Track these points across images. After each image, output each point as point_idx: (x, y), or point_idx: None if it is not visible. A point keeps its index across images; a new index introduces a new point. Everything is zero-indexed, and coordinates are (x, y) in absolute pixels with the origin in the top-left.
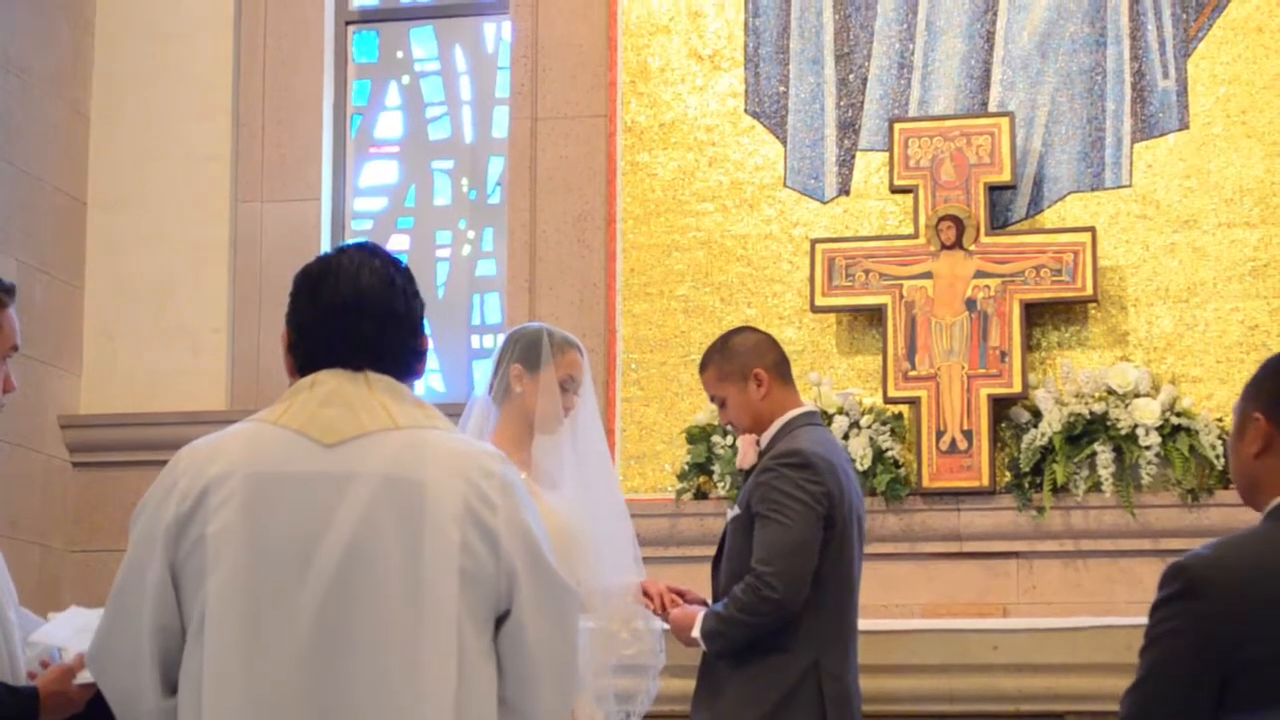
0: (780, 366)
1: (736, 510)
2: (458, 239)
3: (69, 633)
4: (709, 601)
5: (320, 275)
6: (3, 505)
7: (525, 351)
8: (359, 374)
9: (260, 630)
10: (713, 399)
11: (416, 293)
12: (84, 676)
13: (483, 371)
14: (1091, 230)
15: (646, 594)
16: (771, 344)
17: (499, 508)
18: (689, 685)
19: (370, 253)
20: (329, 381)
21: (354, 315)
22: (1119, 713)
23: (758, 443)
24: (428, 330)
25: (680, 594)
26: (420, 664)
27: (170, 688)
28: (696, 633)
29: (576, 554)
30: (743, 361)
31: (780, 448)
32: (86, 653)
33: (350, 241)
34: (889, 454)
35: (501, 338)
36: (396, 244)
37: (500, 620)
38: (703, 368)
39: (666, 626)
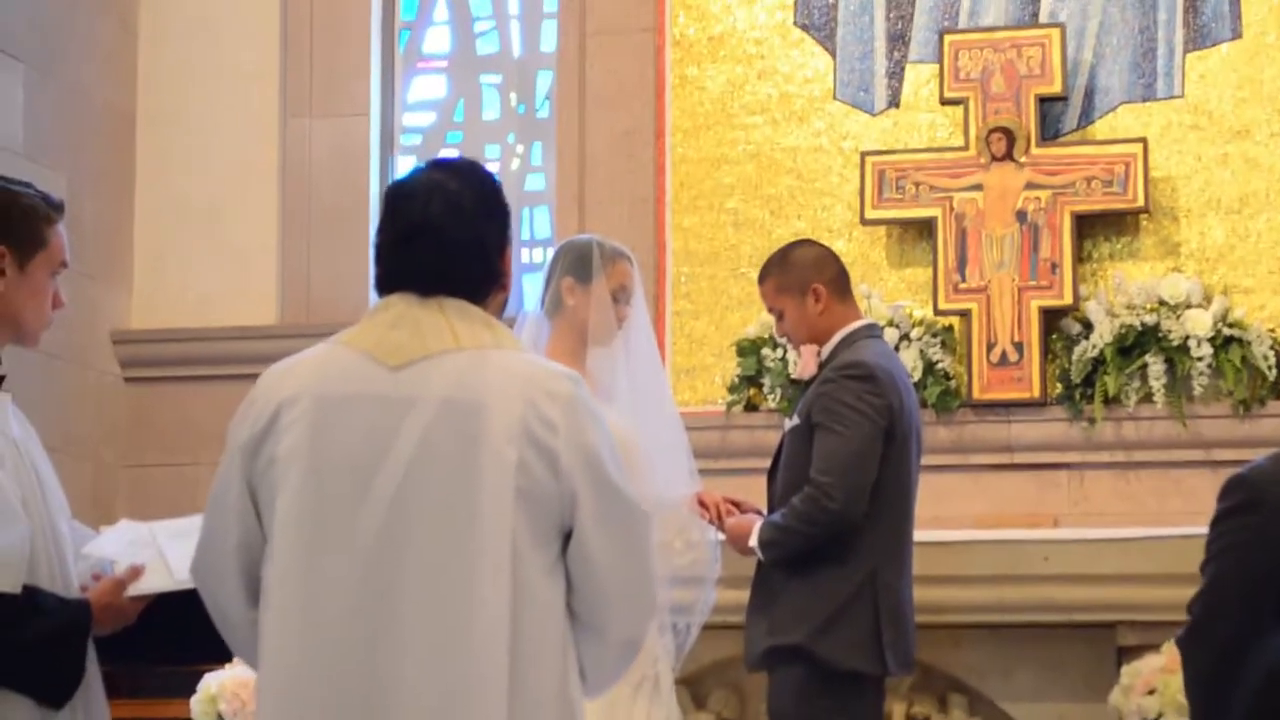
0: (839, 281)
1: (795, 420)
2: (506, 154)
3: (120, 546)
4: (764, 512)
5: (395, 200)
6: (56, 420)
7: (576, 264)
8: (430, 298)
9: (321, 551)
10: (770, 310)
11: (494, 213)
12: (135, 589)
13: (533, 286)
14: (1143, 141)
15: (702, 504)
16: (831, 258)
17: (559, 428)
18: (743, 596)
19: (453, 172)
20: (399, 304)
21: (421, 244)
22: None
23: (818, 353)
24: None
25: (736, 504)
26: (474, 581)
27: (257, 598)
28: (754, 542)
29: (633, 466)
30: (802, 275)
31: (842, 359)
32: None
33: (437, 160)
34: (939, 366)
35: (551, 252)
36: None
37: (568, 539)
38: (761, 279)
39: (722, 537)
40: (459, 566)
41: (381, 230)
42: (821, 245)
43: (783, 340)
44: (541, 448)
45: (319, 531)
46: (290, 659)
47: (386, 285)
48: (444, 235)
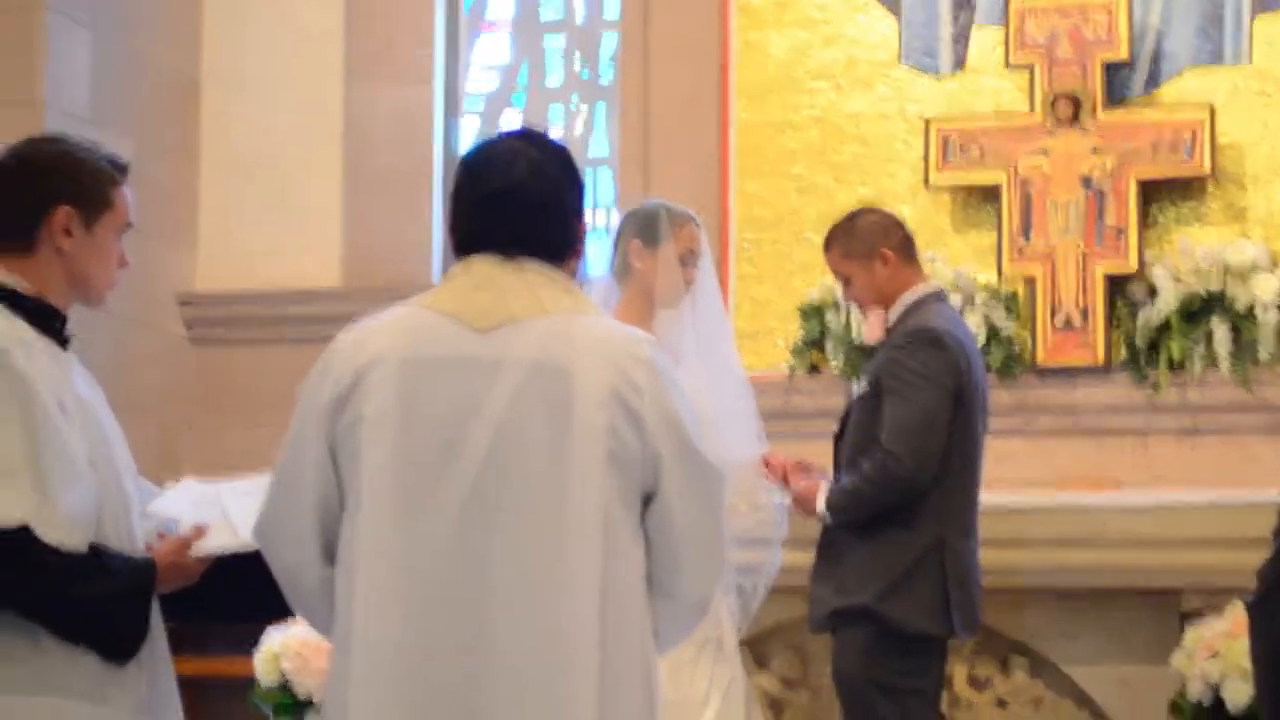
0: (906, 246)
1: (864, 387)
2: (570, 117)
3: (185, 505)
4: (830, 475)
5: (476, 165)
6: (122, 381)
7: (643, 228)
8: (511, 260)
9: (412, 510)
10: (837, 276)
11: (572, 181)
12: (200, 548)
13: (596, 249)
14: (1210, 107)
15: (769, 466)
16: (897, 224)
17: (645, 392)
18: (806, 558)
19: (530, 141)
20: (481, 266)
21: (505, 206)
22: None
23: (885, 318)
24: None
25: (804, 466)
26: (567, 543)
27: (332, 558)
28: (821, 507)
29: (702, 428)
30: (869, 241)
31: (911, 324)
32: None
33: (512, 130)
34: (1003, 331)
35: (616, 216)
36: (508, 122)
37: (647, 501)
38: (827, 246)
39: (788, 499)
40: (551, 528)
41: (459, 194)
42: (885, 211)
43: (848, 304)
44: (629, 411)
45: (409, 493)
46: (384, 621)
47: (466, 247)
48: (528, 197)
